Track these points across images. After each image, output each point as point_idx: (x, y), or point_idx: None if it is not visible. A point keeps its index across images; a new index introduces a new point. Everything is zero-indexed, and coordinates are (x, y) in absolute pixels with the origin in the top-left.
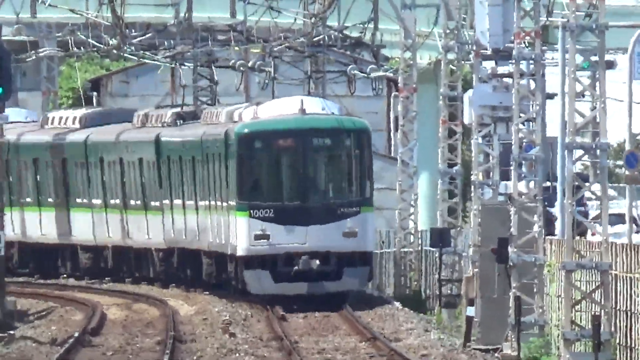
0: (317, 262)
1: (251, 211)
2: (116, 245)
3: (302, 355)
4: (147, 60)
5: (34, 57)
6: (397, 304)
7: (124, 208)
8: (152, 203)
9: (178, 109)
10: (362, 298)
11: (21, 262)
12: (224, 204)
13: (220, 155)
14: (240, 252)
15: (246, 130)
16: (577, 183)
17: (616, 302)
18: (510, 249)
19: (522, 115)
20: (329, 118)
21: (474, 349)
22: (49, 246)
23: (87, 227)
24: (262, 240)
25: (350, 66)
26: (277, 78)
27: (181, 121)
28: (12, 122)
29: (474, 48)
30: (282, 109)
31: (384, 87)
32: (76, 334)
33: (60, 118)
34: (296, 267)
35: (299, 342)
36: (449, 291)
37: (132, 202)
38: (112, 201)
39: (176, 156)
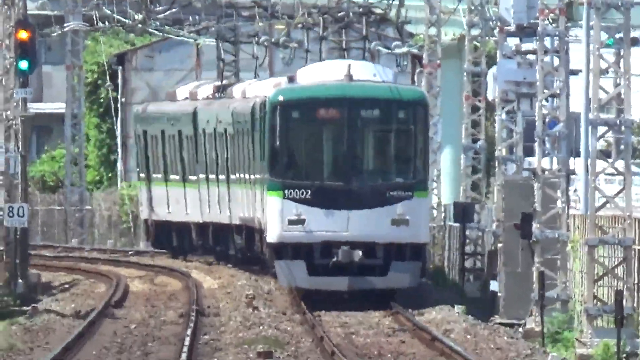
0: (360, 253)
1: (285, 191)
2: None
3: (324, 329)
4: (171, 35)
5: (59, 32)
6: (422, 279)
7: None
8: (191, 177)
9: (217, 82)
10: None
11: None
12: (256, 181)
13: (255, 126)
14: (271, 239)
15: (281, 98)
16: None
17: (639, 278)
18: (533, 225)
19: (546, 91)
20: (380, 86)
21: (498, 323)
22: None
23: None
24: (296, 226)
25: (374, 42)
26: (310, 50)
27: (221, 94)
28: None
29: (499, 24)
30: (325, 74)
31: (408, 63)
32: (100, 307)
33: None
34: (335, 259)
35: (322, 316)
36: (472, 265)
37: (173, 176)
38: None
39: (211, 129)
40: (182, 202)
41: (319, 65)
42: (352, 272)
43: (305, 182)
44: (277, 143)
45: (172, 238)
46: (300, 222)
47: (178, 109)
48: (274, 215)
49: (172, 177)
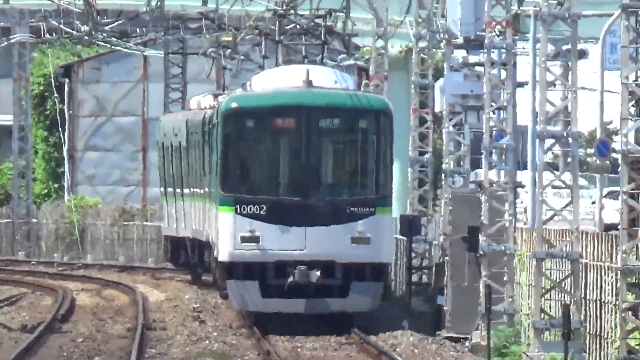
0: (318, 273)
1: (237, 207)
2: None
3: (271, 343)
4: (118, 47)
5: (5, 43)
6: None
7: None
8: (168, 190)
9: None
10: None
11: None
12: (208, 195)
13: (205, 137)
14: (222, 257)
15: (234, 105)
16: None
17: (586, 291)
18: (480, 238)
19: (493, 104)
20: (340, 93)
21: (444, 337)
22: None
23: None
24: (250, 244)
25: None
26: (252, 59)
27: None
28: None
29: (446, 37)
30: (282, 80)
31: (354, 76)
32: (47, 321)
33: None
34: (291, 279)
35: (269, 330)
36: (419, 279)
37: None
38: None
39: (169, 142)
40: (173, 217)
41: (275, 71)
42: (309, 293)
43: (259, 196)
44: (229, 154)
45: (180, 254)
46: (254, 239)
47: (174, 120)
48: (226, 232)
49: (168, 190)
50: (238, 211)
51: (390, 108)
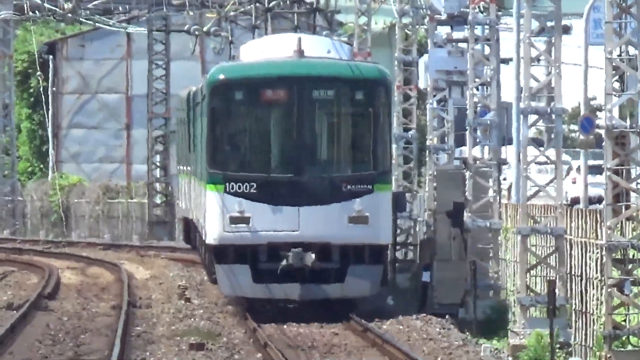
0: (313, 256)
1: (226, 184)
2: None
3: (257, 320)
4: (102, 25)
5: None
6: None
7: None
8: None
9: None
10: None
11: None
12: (195, 173)
13: (193, 111)
14: (211, 239)
15: (221, 77)
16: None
17: (571, 267)
18: (465, 214)
19: (477, 80)
20: (335, 63)
21: (430, 314)
22: None
23: None
24: (239, 225)
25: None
26: (234, 42)
27: None
28: None
29: (429, 13)
30: (273, 50)
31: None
32: (32, 299)
33: None
34: (284, 263)
35: (254, 306)
36: (403, 256)
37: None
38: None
39: (180, 117)
40: (183, 196)
41: (265, 40)
42: (304, 278)
43: (249, 174)
44: (217, 129)
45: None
46: (244, 220)
47: (185, 93)
48: (214, 212)
49: (180, 168)
50: (227, 190)
51: (389, 78)
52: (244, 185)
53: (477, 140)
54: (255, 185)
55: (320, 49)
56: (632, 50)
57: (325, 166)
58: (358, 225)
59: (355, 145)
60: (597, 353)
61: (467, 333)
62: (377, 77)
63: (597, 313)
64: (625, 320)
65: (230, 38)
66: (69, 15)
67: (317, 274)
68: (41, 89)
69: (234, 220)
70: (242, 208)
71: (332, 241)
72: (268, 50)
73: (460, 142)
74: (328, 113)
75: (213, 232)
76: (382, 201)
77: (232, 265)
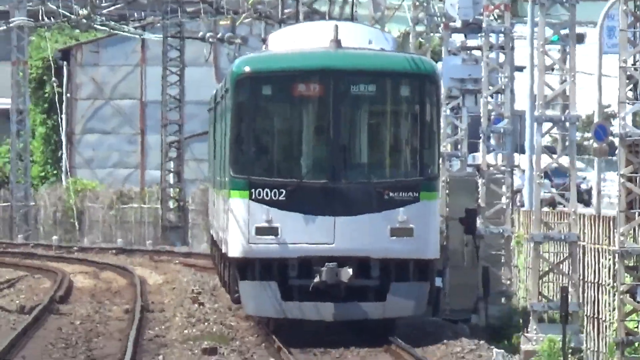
0: (350, 272)
1: (252, 191)
2: None
3: (270, 324)
4: (116, 31)
5: (4, 27)
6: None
7: None
8: None
9: None
10: None
11: None
12: (217, 179)
13: (217, 109)
14: (234, 252)
15: (247, 69)
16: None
17: (584, 274)
18: (478, 220)
19: (490, 87)
20: (376, 55)
21: (443, 319)
22: None
23: None
24: (266, 237)
25: None
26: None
27: None
28: None
29: (444, 20)
30: (306, 39)
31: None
32: (45, 303)
33: None
34: (317, 279)
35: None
36: None
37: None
38: None
39: (212, 120)
40: (212, 211)
41: (297, 29)
42: (339, 296)
43: (278, 179)
44: (242, 128)
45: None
46: (272, 231)
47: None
48: (238, 222)
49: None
50: (252, 197)
51: (437, 72)
52: (272, 192)
53: (491, 147)
54: (284, 192)
55: (360, 39)
56: None
57: (364, 171)
58: (401, 237)
59: (399, 147)
60: (609, 359)
61: (479, 339)
62: (424, 70)
63: (609, 319)
64: (637, 327)
65: (245, 44)
66: (84, 21)
67: (354, 291)
68: (55, 95)
69: (260, 231)
70: (270, 217)
71: (371, 255)
72: (300, 39)
73: (473, 149)
74: (368, 111)
75: (236, 244)
76: (429, 211)
77: (258, 281)
